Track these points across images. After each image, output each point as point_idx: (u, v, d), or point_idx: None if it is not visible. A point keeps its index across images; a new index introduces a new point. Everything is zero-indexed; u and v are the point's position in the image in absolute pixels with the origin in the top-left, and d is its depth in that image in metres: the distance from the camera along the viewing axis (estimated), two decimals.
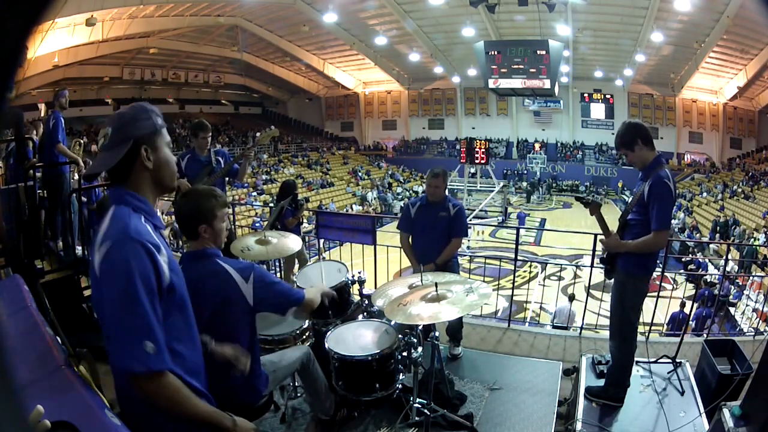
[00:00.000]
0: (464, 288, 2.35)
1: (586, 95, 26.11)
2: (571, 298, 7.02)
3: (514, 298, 5.67)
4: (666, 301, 6.57)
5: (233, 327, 1.92)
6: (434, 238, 3.48)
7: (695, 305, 7.40)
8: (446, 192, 3.54)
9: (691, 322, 6.89)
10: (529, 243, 14.42)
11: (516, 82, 19.46)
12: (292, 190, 5.02)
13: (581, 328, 4.43)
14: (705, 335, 5.74)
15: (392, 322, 2.78)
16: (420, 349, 2.68)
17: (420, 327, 2.93)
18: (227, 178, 4.30)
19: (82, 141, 6.04)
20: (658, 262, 2.96)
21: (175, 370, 1.31)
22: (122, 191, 1.33)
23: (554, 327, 5.91)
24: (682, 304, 6.96)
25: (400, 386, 2.63)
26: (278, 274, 5.43)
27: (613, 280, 2.67)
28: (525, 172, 27.05)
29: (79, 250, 4.01)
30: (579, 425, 2.53)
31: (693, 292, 8.43)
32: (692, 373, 2.90)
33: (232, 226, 5.31)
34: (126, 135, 1.30)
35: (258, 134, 4.25)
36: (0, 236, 3.46)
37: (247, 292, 1.88)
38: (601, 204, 2.69)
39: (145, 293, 1.23)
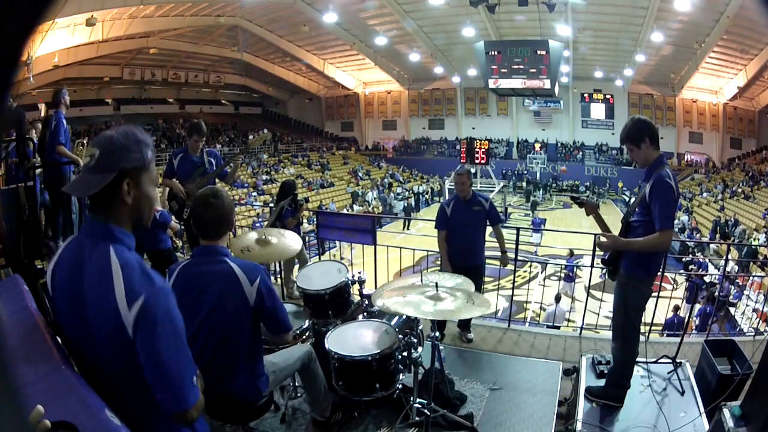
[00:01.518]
0: (464, 298, 2.34)
1: (586, 95, 26.13)
2: (558, 298, 7.10)
3: (514, 298, 5.66)
4: (666, 301, 6.57)
5: (234, 325, 1.93)
6: (473, 231, 3.85)
7: (696, 300, 7.38)
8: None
9: (695, 318, 6.91)
10: (529, 243, 14.40)
11: (516, 82, 19.47)
12: (291, 190, 5.01)
13: (581, 328, 4.42)
14: (706, 334, 5.75)
15: (392, 322, 2.79)
16: (420, 349, 2.68)
17: (421, 327, 2.94)
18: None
19: (85, 142, 6.03)
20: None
21: None
22: (112, 228, 1.28)
23: (548, 328, 5.94)
24: (675, 308, 6.97)
25: (400, 386, 2.63)
26: (278, 274, 5.44)
27: (615, 281, 2.66)
28: (525, 172, 27.07)
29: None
30: (579, 425, 2.52)
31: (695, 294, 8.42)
32: (692, 373, 2.90)
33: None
34: (112, 164, 1.24)
35: (251, 136, 4.29)
36: (0, 236, 3.46)
37: (249, 294, 1.90)
38: (598, 204, 2.64)
39: (181, 332, 1.28)
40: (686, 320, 5.60)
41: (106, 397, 1.20)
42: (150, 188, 1.32)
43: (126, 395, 1.28)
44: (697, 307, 7.40)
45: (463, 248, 3.84)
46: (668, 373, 2.90)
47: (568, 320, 7.58)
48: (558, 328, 6.05)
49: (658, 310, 4.35)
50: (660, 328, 5.95)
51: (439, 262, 4.28)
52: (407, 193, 24.35)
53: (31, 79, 14.51)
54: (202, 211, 1.92)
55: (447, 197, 4.15)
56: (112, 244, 1.26)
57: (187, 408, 1.27)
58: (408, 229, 16.76)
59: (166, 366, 1.24)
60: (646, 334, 3.99)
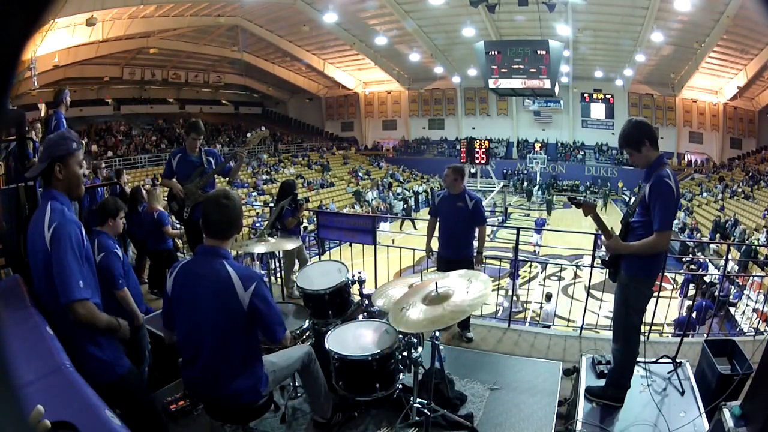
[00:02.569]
0: (465, 282, 2.34)
1: (586, 95, 26.11)
2: (548, 297, 7.10)
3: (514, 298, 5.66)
4: (666, 301, 6.57)
5: (229, 327, 1.93)
6: (454, 226, 3.99)
7: (695, 296, 7.39)
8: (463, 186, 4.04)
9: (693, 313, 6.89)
10: (529, 243, 14.40)
11: (516, 82, 19.43)
12: (291, 190, 5.01)
13: (581, 328, 4.42)
14: (706, 330, 5.74)
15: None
16: (420, 349, 2.68)
17: None
18: (216, 177, 4.29)
19: (82, 141, 6.02)
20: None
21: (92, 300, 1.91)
22: (53, 193, 1.92)
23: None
24: (689, 308, 6.96)
25: (400, 386, 2.63)
26: (278, 274, 5.44)
27: (616, 283, 2.64)
28: (525, 172, 27.05)
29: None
30: (579, 425, 2.52)
31: (693, 291, 8.43)
32: (692, 373, 2.89)
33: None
34: (47, 154, 1.89)
35: (249, 134, 4.26)
36: (0, 236, 3.45)
37: (242, 299, 1.90)
38: (595, 205, 2.59)
39: (77, 251, 1.87)
40: (687, 318, 5.59)
41: (47, 311, 1.85)
42: (76, 168, 1.95)
43: (57, 306, 1.83)
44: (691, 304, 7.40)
45: (447, 240, 4.07)
46: (668, 373, 2.89)
47: (569, 320, 7.59)
48: (550, 326, 6.06)
49: (659, 310, 4.35)
50: (660, 328, 5.95)
51: None
52: (408, 192, 24.34)
53: (35, 83, 14.51)
54: (211, 211, 1.94)
55: None
56: (50, 201, 1.90)
57: (72, 300, 1.80)
58: (414, 228, 16.74)
59: (61, 266, 1.81)
60: (646, 334, 3.99)
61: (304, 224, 6.55)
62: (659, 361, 3.01)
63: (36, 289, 1.95)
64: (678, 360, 2.95)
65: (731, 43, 17.42)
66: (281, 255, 5.31)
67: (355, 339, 2.64)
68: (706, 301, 7.28)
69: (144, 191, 5.29)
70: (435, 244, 4.28)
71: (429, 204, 23.38)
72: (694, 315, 7.02)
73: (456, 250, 3.99)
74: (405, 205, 21.80)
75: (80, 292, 1.82)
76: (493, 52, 19.23)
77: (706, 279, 8.91)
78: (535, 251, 14.05)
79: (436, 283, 2.36)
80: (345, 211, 19.30)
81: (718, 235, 15.54)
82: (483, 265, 4.36)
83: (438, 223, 4.15)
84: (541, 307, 8.25)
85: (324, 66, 26.40)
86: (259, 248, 2.96)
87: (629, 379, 2.66)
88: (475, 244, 4.10)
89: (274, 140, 26.77)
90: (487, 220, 4.65)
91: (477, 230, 4.05)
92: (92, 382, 1.57)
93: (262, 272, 5.24)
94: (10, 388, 0.63)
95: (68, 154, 1.89)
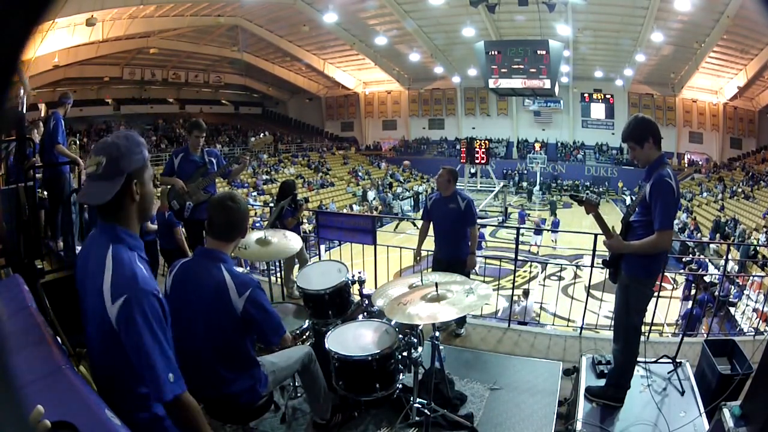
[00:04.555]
0: (464, 289, 2.36)
1: (586, 95, 26.10)
2: (526, 293, 7.09)
3: (514, 298, 5.66)
4: (666, 301, 6.56)
5: (225, 330, 1.94)
6: (447, 227, 4.02)
7: (695, 298, 7.38)
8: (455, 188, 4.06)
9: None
10: (529, 243, 14.38)
11: (516, 82, 19.45)
12: (291, 190, 5.01)
13: (581, 328, 4.42)
14: (706, 330, 5.74)
15: (392, 322, 2.79)
16: (420, 349, 2.68)
17: (420, 327, 2.94)
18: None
19: (77, 140, 6.03)
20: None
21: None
22: (117, 229, 1.40)
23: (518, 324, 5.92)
24: (694, 302, 6.94)
25: (400, 386, 2.63)
26: (278, 274, 5.44)
27: (617, 284, 2.64)
28: (525, 172, 27.06)
29: (79, 249, 4.00)
30: (579, 425, 2.52)
31: (694, 291, 8.42)
32: (692, 373, 2.89)
33: None
34: (121, 169, 1.34)
35: (253, 139, 4.28)
36: (0, 236, 3.45)
37: (236, 305, 1.90)
38: (598, 202, 2.58)
39: (161, 335, 1.37)
40: (691, 310, 5.57)
41: (99, 380, 1.41)
42: (150, 184, 1.45)
43: (111, 380, 1.43)
44: (688, 305, 7.38)
45: (441, 241, 4.10)
46: (668, 373, 2.89)
47: (569, 320, 7.58)
48: (525, 323, 6.05)
49: (659, 310, 4.34)
50: (660, 328, 5.94)
51: None
52: (407, 193, 24.33)
53: (24, 111, 14.46)
54: (216, 212, 1.96)
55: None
56: (113, 244, 1.38)
57: (175, 395, 1.36)
58: (415, 226, 16.73)
59: (144, 357, 1.33)
60: (646, 334, 3.99)
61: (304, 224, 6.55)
62: (659, 361, 3.02)
63: (92, 363, 1.53)
64: (678, 360, 2.95)
65: (731, 43, 17.42)
66: None
67: (355, 339, 2.64)
68: (706, 295, 7.28)
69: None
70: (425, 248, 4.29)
71: (423, 206, 23.30)
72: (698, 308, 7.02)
73: (451, 251, 4.01)
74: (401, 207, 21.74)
75: (173, 389, 1.37)
76: (493, 52, 19.25)
77: (706, 279, 8.91)
78: (529, 250, 14.02)
79: (436, 284, 2.37)
80: (342, 211, 19.29)
81: (718, 235, 15.55)
82: (515, 262, 4.63)
83: (432, 226, 4.14)
84: (541, 307, 8.23)
85: (324, 66, 26.40)
86: (261, 252, 2.94)
87: (629, 379, 2.67)
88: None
89: (274, 140, 26.76)
90: (489, 220, 4.68)
91: (469, 230, 4.05)
92: None
93: (262, 269, 5.24)
94: (10, 388, 0.63)
95: (144, 166, 1.40)
